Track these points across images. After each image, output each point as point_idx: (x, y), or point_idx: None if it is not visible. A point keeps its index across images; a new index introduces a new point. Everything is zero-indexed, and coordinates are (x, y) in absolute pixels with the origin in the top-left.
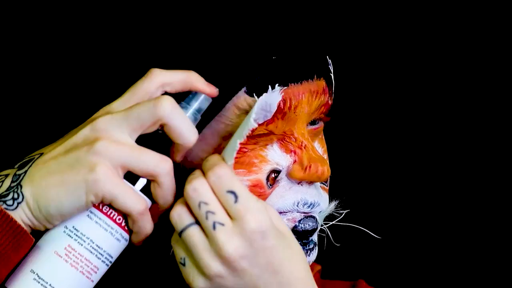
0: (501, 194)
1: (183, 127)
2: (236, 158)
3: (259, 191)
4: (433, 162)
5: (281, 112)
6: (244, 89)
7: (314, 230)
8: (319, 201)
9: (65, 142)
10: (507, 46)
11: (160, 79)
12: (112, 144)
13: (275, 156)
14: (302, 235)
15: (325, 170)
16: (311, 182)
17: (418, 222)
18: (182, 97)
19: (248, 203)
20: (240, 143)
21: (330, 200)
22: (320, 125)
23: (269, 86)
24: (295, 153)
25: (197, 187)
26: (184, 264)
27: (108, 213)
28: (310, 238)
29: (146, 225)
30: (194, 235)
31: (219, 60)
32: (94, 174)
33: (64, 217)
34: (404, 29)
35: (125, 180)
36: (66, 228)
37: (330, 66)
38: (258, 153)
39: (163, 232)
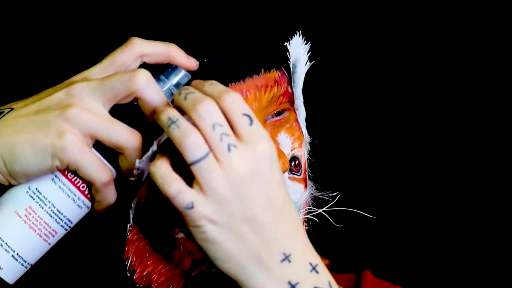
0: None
1: (156, 102)
2: None
3: None
4: (432, 151)
5: None
6: None
7: None
8: None
9: (38, 102)
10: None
11: (140, 50)
12: (84, 112)
13: None
14: None
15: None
16: None
17: (420, 212)
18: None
19: (261, 128)
20: None
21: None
22: (285, 115)
23: None
24: None
25: (210, 108)
26: (192, 207)
27: (73, 179)
28: None
29: (109, 195)
30: (212, 161)
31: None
32: (62, 141)
33: (28, 176)
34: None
35: (93, 149)
36: (30, 189)
37: (288, 54)
38: None
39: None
